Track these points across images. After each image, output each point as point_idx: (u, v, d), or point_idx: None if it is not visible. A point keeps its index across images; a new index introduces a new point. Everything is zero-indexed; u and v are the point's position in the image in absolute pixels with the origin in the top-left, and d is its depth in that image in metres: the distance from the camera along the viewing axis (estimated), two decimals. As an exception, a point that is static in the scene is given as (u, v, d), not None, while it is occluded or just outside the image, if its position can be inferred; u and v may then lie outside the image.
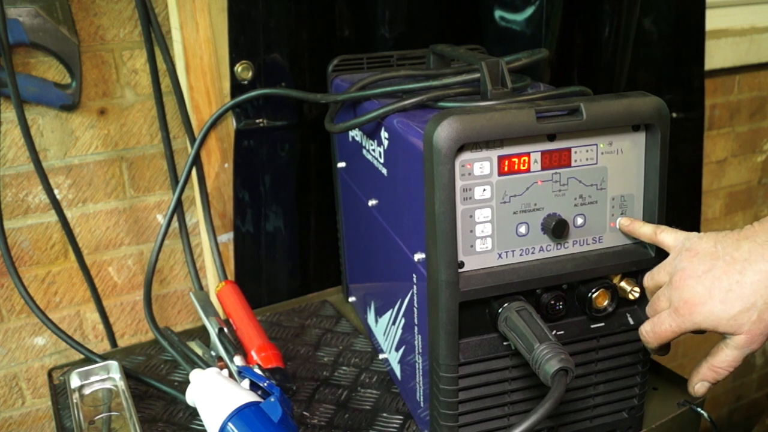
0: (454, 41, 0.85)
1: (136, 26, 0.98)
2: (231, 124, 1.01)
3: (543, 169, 0.60)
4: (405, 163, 0.65)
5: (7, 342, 1.03)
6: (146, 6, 0.92)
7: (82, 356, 0.90)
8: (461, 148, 0.57)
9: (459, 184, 0.58)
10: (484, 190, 0.59)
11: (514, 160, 0.59)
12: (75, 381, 0.81)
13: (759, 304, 0.54)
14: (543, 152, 0.60)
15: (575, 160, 0.61)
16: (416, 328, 0.69)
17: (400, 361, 0.77)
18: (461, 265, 0.60)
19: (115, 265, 1.07)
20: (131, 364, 0.90)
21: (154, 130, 1.04)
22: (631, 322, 0.66)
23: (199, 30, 0.95)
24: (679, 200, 1.38)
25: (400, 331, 0.75)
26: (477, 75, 0.66)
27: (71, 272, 1.04)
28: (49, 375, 0.88)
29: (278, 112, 1.02)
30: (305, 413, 0.78)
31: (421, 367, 0.69)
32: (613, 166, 0.62)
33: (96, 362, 0.83)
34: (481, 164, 0.58)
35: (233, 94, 0.99)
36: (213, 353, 0.83)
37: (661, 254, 0.63)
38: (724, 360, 0.58)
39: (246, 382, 0.72)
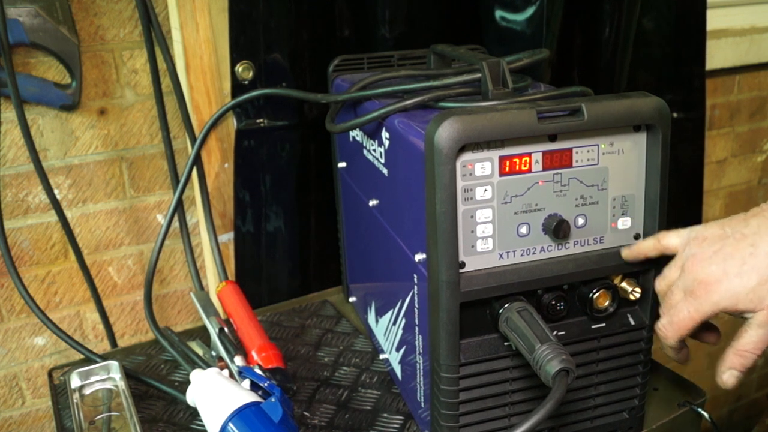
0: (454, 41, 0.85)
1: (136, 26, 0.98)
2: (231, 124, 1.01)
3: (544, 169, 0.60)
4: (406, 164, 0.65)
5: (7, 342, 1.03)
6: (146, 6, 0.91)
7: (82, 356, 0.90)
8: (462, 149, 0.56)
9: (460, 184, 0.58)
10: (485, 190, 0.59)
11: (515, 160, 0.59)
12: (75, 381, 0.81)
13: None
14: (544, 152, 0.60)
15: (576, 161, 0.61)
16: (417, 328, 0.69)
17: (401, 362, 0.77)
18: (462, 265, 0.60)
19: (115, 265, 1.07)
20: (131, 364, 0.90)
21: (154, 130, 1.04)
22: (632, 323, 0.66)
23: (200, 30, 0.95)
24: (679, 200, 1.38)
25: (400, 332, 0.75)
26: (478, 75, 0.66)
27: (71, 272, 1.04)
28: (49, 375, 0.88)
29: (279, 112, 1.02)
30: (306, 413, 0.78)
31: (421, 368, 0.69)
32: (614, 167, 0.62)
33: (96, 362, 0.83)
34: (482, 164, 0.58)
35: (234, 94, 0.99)
36: (213, 353, 0.83)
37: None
38: (749, 342, 0.55)
39: (246, 383, 0.71)
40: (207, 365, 0.82)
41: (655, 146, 0.61)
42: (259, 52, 0.99)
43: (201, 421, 0.71)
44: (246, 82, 0.99)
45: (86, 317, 1.07)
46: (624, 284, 0.64)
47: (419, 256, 0.63)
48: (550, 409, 0.53)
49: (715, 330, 0.62)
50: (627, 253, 0.63)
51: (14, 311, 1.02)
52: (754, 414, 1.94)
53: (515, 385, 0.65)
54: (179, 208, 0.99)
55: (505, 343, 0.63)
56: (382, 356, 0.86)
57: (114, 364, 0.82)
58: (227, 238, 1.06)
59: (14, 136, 0.96)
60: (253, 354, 0.79)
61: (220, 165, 1.02)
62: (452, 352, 0.61)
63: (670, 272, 0.59)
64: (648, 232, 0.64)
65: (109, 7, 0.96)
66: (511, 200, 0.60)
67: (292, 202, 1.07)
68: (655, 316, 0.63)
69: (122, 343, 1.09)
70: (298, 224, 1.09)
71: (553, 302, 0.62)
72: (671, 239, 0.60)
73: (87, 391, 0.81)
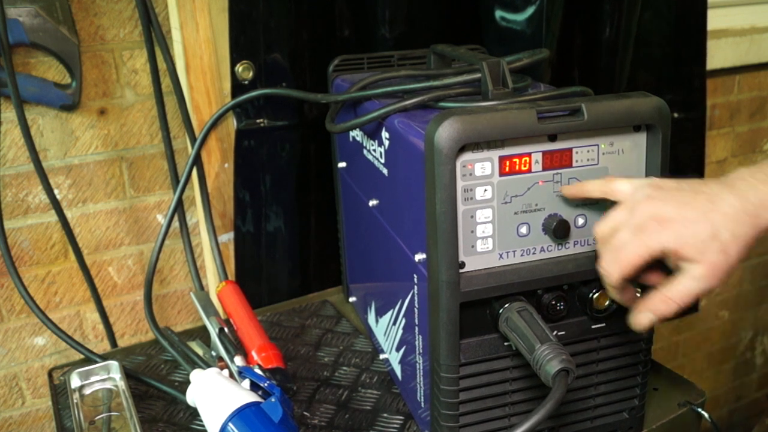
0: (454, 41, 0.85)
1: (136, 26, 0.98)
2: (231, 124, 1.01)
3: (544, 169, 0.60)
4: (406, 164, 0.65)
5: (7, 342, 1.03)
6: (146, 6, 0.91)
7: (82, 356, 0.90)
8: (462, 149, 0.56)
9: (460, 184, 0.58)
10: (485, 190, 0.59)
11: (515, 160, 0.59)
12: (75, 381, 0.81)
13: (724, 236, 0.51)
14: (544, 152, 0.60)
15: (576, 161, 0.61)
16: (417, 328, 0.69)
17: (401, 362, 0.77)
18: (462, 265, 0.60)
19: (115, 265, 1.07)
20: (131, 364, 0.90)
21: (154, 130, 1.04)
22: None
23: (200, 30, 0.95)
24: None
25: (400, 332, 0.75)
26: (478, 75, 0.66)
27: (71, 272, 1.04)
28: (49, 375, 0.88)
29: (279, 112, 1.02)
30: (306, 413, 0.78)
31: (421, 368, 0.69)
32: (614, 167, 0.62)
33: (96, 362, 0.83)
34: (482, 164, 0.58)
35: (234, 94, 0.99)
36: (213, 353, 0.83)
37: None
38: (679, 291, 0.53)
39: (246, 383, 0.71)
40: (207, 365, 0.82)
41: (655, 146, 0.61)
42: (259, 52, 0.99)
43: (201, 421, 0.71)
44: (246, 82, 0.99)
45: (86, 317, 1.07)
46: (624, 284, 0.64)
47: (419, 256, 0.63)
48: (550, 409, 0.53)
49: (659, 271, 0.58)
50: (568, 190, 0.61)
51: (14, 311, 1.02)
52: (754, 414, 1.94)
53: (515, 385, 0.65)
54: (179, 208, 0.99)
55: (505, 343, 0.63)
56: (382, 356, 0.86)
57: (114, 364, 0.82)
58: (227, 238, 1.06)
59: (14, 136, 0.96)
60: (253, 354, 0.79)
61: (220, 165, 1.02)
62: (452, 352, 0.61)
63: (616, 214, 0.56)
64: (648, 232, 0.64)
65: (109, 7, 0.96)
66: (511, 200, 0.60)
67: (292, 202, 1.07)
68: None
69: (122, 343, 1.09)
70: (298, 224, 1.09)
71: (553, 302, 0.62)
72: (621, 184, 0.58)
73: (87, 391, 0.81)
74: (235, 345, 0.80)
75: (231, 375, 0.76)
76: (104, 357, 0.87)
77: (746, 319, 1.84)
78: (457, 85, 0.68)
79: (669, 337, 1.71)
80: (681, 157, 1.36)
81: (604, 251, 0.57)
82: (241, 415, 0.64)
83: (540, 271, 0.62)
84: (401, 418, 0.77)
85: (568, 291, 0.63)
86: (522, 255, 0.62)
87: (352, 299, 1.02)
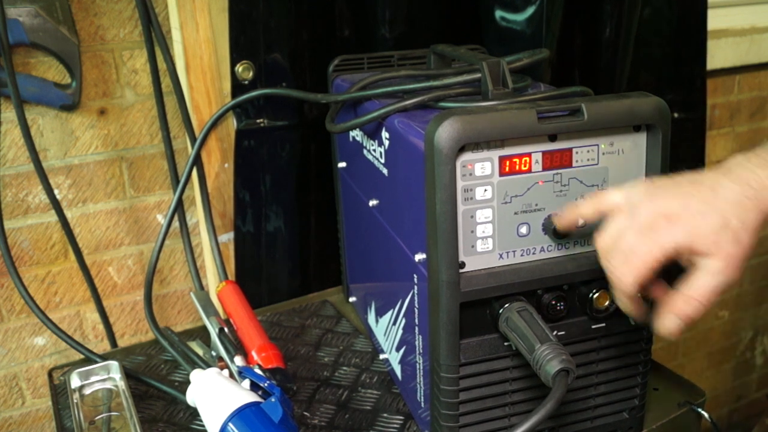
0: (454, 41, 0.85)
1: (136, 26, 0.98)
2: (231, 124, 1.01)
3: (544, 169, 0.60)
4: (406, 164, 0.65)
5: (7, 342, 1.03)
6: (146, 6, 0.92)
7: (82, 356, 0.90)
8: (462, 149, 0.56)
9: (460, 184, 0.58)
10: (485, 190, 0.59)
11: (515, 160, 0.59)
12: (75, 381, 0.81)
13: (734, 224, 0.49)
14: (544, 152, 0.60)
15: (576, 161, 0.61)
16: (417, 328, 0.69)
17: (401, 362, 0.77)
18: (462, 265, 0.60)
19: (115, 265, 1.07)
20: (131, 364, 0.90)
21: (154, 130, 1.04)
22: (632, 323, 0.66)
23: (200, 30, 0.95)
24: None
25: (400, 332, 0.75)
26: (478, 75, 0.66)
27: (71, 272, 1.04)
28: (49, 375, 0.88)
29: (279, 112, 1.02)
30: (306, 413, 0.78)
31: (421, 368, 0.69)
32: (615, 167, 0.62)
33: (96, 362, 0.83)
34: (482, 164, 0.58)
35: (234, 94, 0.99)
36: (213, 353, 0.83)
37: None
38: (700, 288, 0.51)
39: (246, 383, 0.71)
40: (207, 365, 0.82)
41: (656, 146, 0.61)
42: (259, 52, 0.99)
43: (201, 421, 0.71)
44: (246, 82, 0.99)
45: (86, 317, 1.07)
46: (624, 284, 0.64)
47: (419, 256, 0.63)
48: (550, 409, 0.53)
49: (662, 283, 0.56)
50: (560, 221, 0.59)
51: (14, 311, 1.02)
52: (754, 414, 1.94)
53: (515, 385, 0.65)
54: (179, 208, 0.99)
55: (505, 343, 0.63)
56: (382, 356, 0.86)
57: (114, 364, 0.82)
58: (227, 238, 1.06)
59: (14, 136, 0.96)
60: (253, 354, 0.79)
61: (220, 165, 1.02)
62: (452, 352, 0.61)
63: (615, 223, 0.54)
64: (648, 232, 0.64)
65: (109, 7, 0.96)
66: (511, 200, 0.60)
67: (292, 202, 1.07)
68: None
69: (122, 343, 1.09)
70: (298, 224, 1.09)
71: (553, 302, 0.62)
72: (611, 194, 0.55)
73: (87, 391, 0.81)
74: (235, 345, 0.80)
75: (231, 375, 0.76)
76: (104, 357, 0.87)
77: (746, 319, 1.84)
78: (457, 85, 0.68)
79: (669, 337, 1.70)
80: (681, 157, 1.36)
81: (612, 259, 0.54)
82: (241, 415, 0.64)
83: (540, 271, 0.62)
84: (401, 418, 0.77)
85: (568, 291, 0.63)
86: (522, 255, 0.62)
87: (352, 299, 1.02)
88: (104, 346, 1.08)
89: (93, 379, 0.82)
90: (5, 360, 1.04)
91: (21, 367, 1.05)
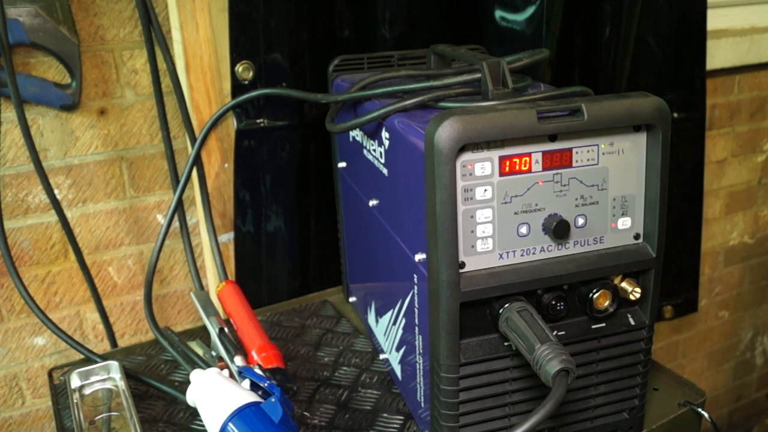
0: (454, 41, 0.85)
1: (136, 26, 0.98)
2: (231, 124, 1.01)
3: (544, 169, 0.60)
4: (406, 164, 0.65)
5: (7, 342, 1.03)
6: (146, 6, 0.92)
7: (82, 356, 0.90)
8: (462, 149, 0.56)
9: (460, 184, 0.58)
10: (485, 190, 0.59)
11: (515, 160, 0.59)
12: (75, 381, 0.81)
13: None
14: (544, 152, 0.60)
15: (576, 161, 0.61)
16: (417, 328, 0.69)
17: (401, 362, 0.77)
18: (462, 265, 0.60)
19: (115, 265, 1.07)
20: (131, 364, 0.90)
21: (154, 130, 1.04)
22: (632, 323, 0.66)
23: (200, 30, 0.95)
24: (679, 200, 1.38)
25: (400, 332, 0.75)
26: (478, 75, 0.66)
27: (71, 272, 1.04)
28: (49, 375, 0.88)
29: (279, 112, 1.02)
30: (306, 413, 0.78)
31: (421, 368, 0.69)
32: (615, 167, 0.62)
33: (96, 362, 0.83)
34: (482, 164, 0.58)
35: (234, 94, 0.99)
36: (213, 353, 0.83)
37: (664, 254, 0.63)
38: None
39: (246, 383, 0.71)
40: (207, 365, 0.82)
41: (656, 146, 0.61)
42: (259, 52, 0.99)
43: (201, 421, 0.71)
44: (246, 82, 0.99)
45: (86, 317, 1.07)
46: (624, 284, 0.64)
47: (419, 256, 0.63)
48: (550, 409, 0.53)
49: None
50: None
51: (14, 311, 1.02)
52: (754, 414, 1.94)
53: (515, 385, 0.65)
54: (179, 208, 1.00)
55: (505, 343, 0.63)
56: (382, 356, 0.86)
57: (114, 364, 0.82)
58: (227, 238, 1.06)
59: (14, 136, 0.96)
60: (253, 354, 0.79)
61: (220, 165, 1.03)
62: (452, 352, 0.61)
63: None
64: (648, 232, 0.64)
65: (109, 7, 0.96)
66: (511, 200, 0.60)
67: (292, 202, 1.07)
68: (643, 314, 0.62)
69: (122, 343, 1.09)
70: (298, 224, 1.09)
71: (553, 302, 0.62)
72: None
73: (87, 391, 0.81)
74: (235, 345, 0.80)
75: (231, 375, 0.76)
76: (104, 357, 0.87)
77: (746, 319, 1.84)
78: (457, 85, 0.68)
79: (669, 337, 1.71)
80: (681, 157, 1.36)
81: None
82: (241, 415, 0.64)
83: (540, 271, 0.62)
84: (401, 418, 0.77)
85: (568, 291, 0.63)
86: (522, 255, 0.62)
87: (352, 299, 1.02)
88: (104, 346, 1.08)
89: (93, 379, 0.82)
90: (5, 360, 1.04)
91: (21, 367, 1.05)
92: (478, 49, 0.97)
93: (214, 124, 0.98)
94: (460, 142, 0.56)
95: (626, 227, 0.64)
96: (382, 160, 0.72)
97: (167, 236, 0.98)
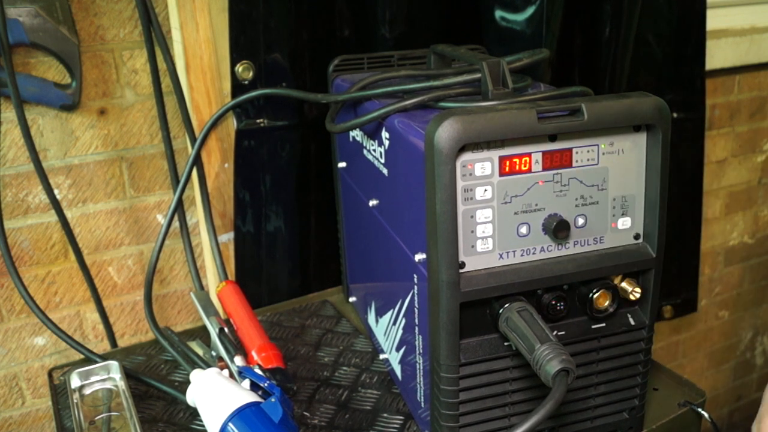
0: (454, 41, 0.85)
1: (136, 26, 0.98)
2: (231, 124, 1.01)
3: (544, 169, 0.60)
4: (406, 164, 0.65)
5: (7, 342, 1.03)
6: (146, 6, 0.92)
7: (82, 356, 0.90)
8: (462, 149, 0.56)
9: (460, 184, 0.58)
10: (485, 190, 0.59)
11: (515, 160, 0.59)
12: (75, 381, 0.81)
13: None
14: (544, 152, 0.60)
15: (576, 161, 0.61)
16: (417, 328, 0.69)
17: (401, 362, 0.77)
18: (462, 265, 0.60)
19: (115, 265, 1.07)
20: (131, 364, 0.90)
21: (154, 130, 1.04)
22: (632, 323, 0.66)
23: (200, 30, 0.95)
24: (679, 200, 1.38)
25: (400, 332, 0.75)
26: (478, 75, 0.66)
27: (71, 272, 1.04)
28: (49, 375, 0.88)
29: (279, 112, 1.02)
30: (306, 413, 0.78)
31: (421, 368, 0.69)
32: (615, 167, 0.62)
33: (96, 362, 0.83)
34: (482, 164, 0.58)
35: (234, 94, 0.99)
36: (213, 353, 0.83)
37: (664, 254, 0.63)
38: None
39: (246, 383, 0.71)
40: (207, 365, 0.82)
41: (656, 146, 0.61)
42: (259, 52, 0.99)
43: (201, 421, 0.71)
44: (246, 82, 0.99)
45: (86, 317, 1.07)
46: (624, 284, 0.64)
47: (419, 256, 0.63)
48: (550, 409, 0.53)
49: None
50: None
51: (14, 311, 1.02)
52: (754, 414, 1.94)
53: (515, 385, 0.65)
54: (179, 208, 1.00)
55: (505, 343, 0.63)
56: (382, 356, 0.86)
57: (114, 364, 0.82)
58: (227, 238, 1.06)
59: (14, 136, 0.96)
60: (253, 354, 0.79)
61: (220, 165, 1.03)
62: (452, 352, 0.61)
63: None
64: (648, 232, 0.64)
65: (109, 7, 0.96)
66: (511, 200, 0.60)
67: (292, 202, 1.07)
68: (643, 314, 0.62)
69: (122, 343, 1.09)
70: (298, 224, 1.09)
71: (553, 302, 0.62)
72: None
73: (87, 391, 0.81)
74: (235, 345, 0.80)
75: (231, 375, 0.76)
76: (104, 357, 0.87)
77: (746, 319, 1.84)
78: (457, 85, 0.68)
79: (669, 337, 1.71)
80: (681, 157, 1.36)
81: None
82: (241, 415, 0.64)
83: (540, 271, 0.62)
84: (401, 418, 0.77)
85: (568, 291, 0.63)
86: (522, 255, 0.62)
87: (352, 299, 1.02)
88: (104, 346, 1.08)
89: (93, 379, 0.82)
90: (5, 360, 1.04)
91: (21, 367, 1.05)
92: (478, 49, 0.97)
93: (214, 124, 0.98)
94: (460, 142, 0.56)
95: (626, 227, 0.64)
96: (382, 160, 0.72)
97: (167, 236, 0.98)
